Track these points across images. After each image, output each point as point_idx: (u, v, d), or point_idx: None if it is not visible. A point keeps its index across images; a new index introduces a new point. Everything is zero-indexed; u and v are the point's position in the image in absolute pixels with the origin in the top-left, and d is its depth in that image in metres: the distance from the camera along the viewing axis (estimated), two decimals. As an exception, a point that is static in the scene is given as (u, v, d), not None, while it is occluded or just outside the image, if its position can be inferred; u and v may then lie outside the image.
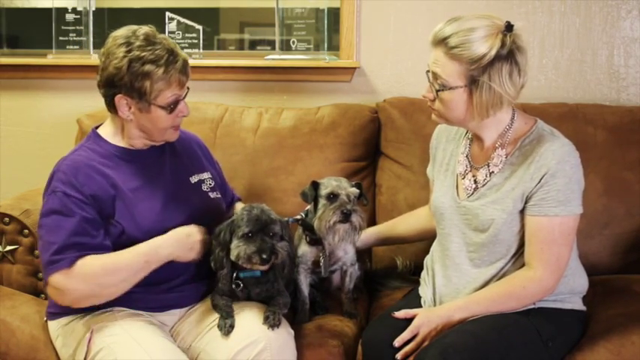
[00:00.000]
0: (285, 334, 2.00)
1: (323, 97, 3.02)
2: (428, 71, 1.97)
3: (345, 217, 2.10)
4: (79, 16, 3.18)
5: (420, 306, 2.12)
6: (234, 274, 2.05)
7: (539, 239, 1.92)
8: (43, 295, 2.35)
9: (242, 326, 1.97)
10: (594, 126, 2.67)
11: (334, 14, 3.09)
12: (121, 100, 2.01)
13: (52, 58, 3.14)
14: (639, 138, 2.64)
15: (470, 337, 1.86)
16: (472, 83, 1.90)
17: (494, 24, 1.90)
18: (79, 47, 3.18)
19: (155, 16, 3.34)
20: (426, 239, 2.37)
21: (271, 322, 1.97)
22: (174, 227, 2.07)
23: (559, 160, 1.91)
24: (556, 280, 1.94)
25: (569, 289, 2.03)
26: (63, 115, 3.14)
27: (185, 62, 2.04)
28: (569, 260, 1.96)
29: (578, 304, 2.06)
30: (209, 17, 4.34)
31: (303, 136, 2.77)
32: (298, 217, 2.27)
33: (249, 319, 1.99)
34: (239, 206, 2.38)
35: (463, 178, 2.08)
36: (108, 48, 2.02)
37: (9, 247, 2.35)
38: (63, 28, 3.19)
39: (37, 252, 2.34)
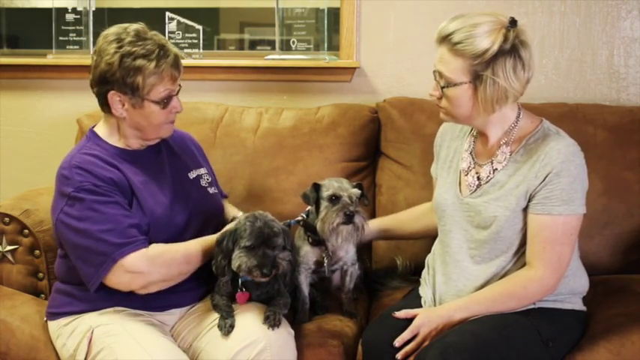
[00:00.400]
0: (285, 334, 2.00)
1: (323, 97, 3.02)
2: (435, 71, 1.98)
3: (348, 219, 2.10)
4: (79, 16, 3.18)
5: (420, 306, 2.12)
6: (237, 279, 2.05)
7: (542, 238, 1.92)
8: (43, 295, 2.35)
9: (242, 326, 1.97)
10: (594, 126, 2.67)
11: (334, 14, 3.09)
12: (113, 97, 2.01)
13: (52, 58, 3.14)
14: (639, 138, 2.64)
15: (470, 337, 1.86)
16: (476, 79, 1.90)
17: (498, 20, 1.91)
18: (79, 47, 3.18)
19: (155, 16, 3.34)
20: (429, 236, 2.37)
21: (271, 322, 1.97)
22: (180, 222, 2.09)
23: (564, 159, 1.91)
24: (557, 279, 1.94)
25: (570, 290, 2.03)
26: (63, 115, 3.14)
27: (177, 57, 2.04)
28: (570, 260, 1.97)
29: (578, 305, 2.06)
30: (209, 17, 4.34)
31: (303, 136, 2.77)
32: (299, 218, 2.27)
33: (249, 319, 1.99)
34: (225, 206, 2.39)
35: (466, 175, 2.08)
36: (99, 46, 2.03)
37: (9, 247, 2.34)
38: (63, 28, 3.19)
39: (37, 252, 2.34)
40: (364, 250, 2.67)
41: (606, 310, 2.17)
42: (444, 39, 1.92)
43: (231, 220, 2.14)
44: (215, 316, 2.03)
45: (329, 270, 2.26)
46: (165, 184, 2.12)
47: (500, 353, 1.86)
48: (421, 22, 2.98)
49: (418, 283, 2.25)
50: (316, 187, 2.18)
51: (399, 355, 1.94)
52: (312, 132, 2.78)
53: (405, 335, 1.96)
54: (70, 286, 2.08)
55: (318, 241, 2.22)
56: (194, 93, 3.03)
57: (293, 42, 3.13)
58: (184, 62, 3.03)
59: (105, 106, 2.06)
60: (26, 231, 2.34)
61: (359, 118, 2.80)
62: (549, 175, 1.91)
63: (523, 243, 1.98)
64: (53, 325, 2.09)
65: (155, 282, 1.98)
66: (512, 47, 1.89)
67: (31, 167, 3.13)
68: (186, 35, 3.16)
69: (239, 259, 1.97)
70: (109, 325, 1.98)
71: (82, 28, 3.18)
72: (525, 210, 1.96)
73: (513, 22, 1.90)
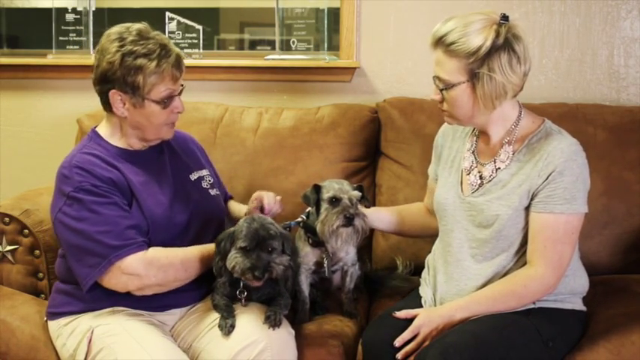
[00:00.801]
0: (285, 334, 2.00)
1: (323, 97, 3.02)
2: (434, 76, 1.99)
3: (348, 222, 2.10)
4: (79, 16, 3.18)
5: (420, 306, 2.12)
6: (239, 282, 2.04)
7: (544, 237, 1.93)
8: (43, 295, 2.35)
9: (243, 326, 1.97)
10: (594, 126, 2.67)
11: (334, 14, 3.09)
12: (114, 96, 2.02)
13: (52, 58, 3.14)
14: (639, 138, 2.64)
15: (470, 337, 1.86)
16: (473, 77, 1.91)
17: (490, 17, 1.92)
18: (79, 47, 3.18)
19: (155, 16, 3.33)
20: (425, 236, 2.37)
21: (272, 322, 1.97)
22: (180, 223, 2.08)
23: (567, 158, 1.91)
24: (557, 278, 1.94)
25: (570, 290, 2.03)
26: (63, 115, 3.14)
27: (178, 57, 2.04)
28: (571, 259, 1.97)
29: (578, 305, 2.06)
30: (209, 17, 4.34)
31: (303, 136, 2.77)
32: (299, 219, 2.27)
33: (249, 319, 1.99)
34: (233, 205, 2.39)
35: (468, 174, 2.08)
36: (102, 45, 2.04)
37: (9, 247, 2.34)
38: (63, 28, 3.19)
39: (37, 252, 2.34)
40: (364, 250, 2.67)
41: (606, 310, 2.17)
42: (438, 42, 1.93)
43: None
44: (215, 316, 2.03)
45: (329, 271, 2.26)
46: (166, 185, 2.12)
47: (500, 353, 1.86)
48: (421, 22, 2.98)
49: (418, 283, 2.25)
50: (317, 189, 2.18)
51: (399, 355, 1.94)
52: (312, 132, 2.78)
53: (406, 335, 1.96)
54: (70, 285, 2.07)
55: (318, 242, 2.22)
56: (194, 93, 3.02)
57: (293, 42, 3.13)
58: (185, 62, 3.06)
59: (106, 105, 2.06)
60: (26, 231, 2.33)
61: (359, 118, 2.80)
62: (552, 174, 1.91)
63: (524, 242, 1.98)
64: (53, 325, 2.09)
65: (151, 285, 1.98)
66: (505, 42, 1.90)
67: (31, 167, 3.13)
68: (186, 35, 3.16)
69: (234, 260, 1.96)
70: (108, 325, 1.98)
71: (82, 28, 3.18)
72: (527, 209, 1.96)
73: (505, 18, 1.91)
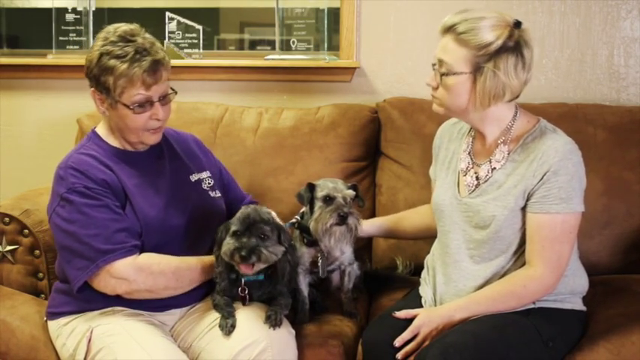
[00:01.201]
0: (286, 334, 2.00)
1: (323, 97, 3.02)
2: (434, 64, 1.99)
3: (342, 220, 2.10)
4: (79, 16, 3.18)
5: (420, 306, 2.12)
6: (240, 280, 2.04)
7: (541, 237, 1.93)
8: (43, 295, 2.35)
9: (243, 326, 1.97)
10: (594, 126, 2.67)
11: (334, 14, 3.09)
12: (94, 95, 2.04)
13: (52, 58, 3.14)
14: (639, 138, 2.64)
15: (470, 336, 1.86)
16: (477, 70, 1.91)
17: (503, 17, 1.93)
18: (79, 47, 3.18)
19: (155, 16, 3.34)
20: (430, 237, 2.37)
21: (273, 322, 1.97)
22: (176, 225, 2.08)
23: (562, 157, 1.91)
24: (557, 278, 1.94)
25: (570, 289, 2.03)
26: (63, 115, 3.14)
27: (154, 62, 1.98)
28: (570, 259, 1.97)
29: (578, 304, 2.06)
30: (209, 17, 4.34)
31: (303, 136, 2.77)
32: (294, 220, 2.27)
33: (250, 319, 1.99)
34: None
35: (465, 175, 2.08)
36: (95, 40, 2.05)
37: (9, 247, 2.34)
38: (63, 28, 3.19)
39: (37, 252, 2.34)
40: (364, 250, 2.67)
41: (606, 310, 2.17)
42: (449, 29, 1.94)
43: None
44: (215, 316, 2.03)
45: (324, 270, 2.26)
46: (163, 187, 2.11)
47: (500, 353, 1.86)
48: (421, 22, 2.98)
49: (418, 283, 2.25)
50: (311, 188, 2.18)
51: (399, 355, 1.94)
52: (312, 132, 2.78)
53: (405, 335, 1.96)
54: (70, 285, 2.07)
55: (313, 242, 2.22)
56: (194, 93, 3.03)
57: (293, 42, 3.13)
58: (184, 62, 3.07)
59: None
60: (26, 231, 2.34)
61: (359, 118, 2.80)
62: (547, 174, 1.91)
63: (522, 242, 1.98)
64: (53, 325, 2.09)
65: (139, 290, 1.98)
66: (516, 45, 1.91)
67: (31, 167, 3.13)
68: (186, 35, 3.16)
69: (226, 245, 1.96)
70: (108, 325, 1.98)
71: (82, 28, 3.18)
72: (524, 209, 1.96)
73: (518, 24, 1.92)
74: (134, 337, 1.94)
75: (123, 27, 2.03)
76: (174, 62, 3.04)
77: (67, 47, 3.18)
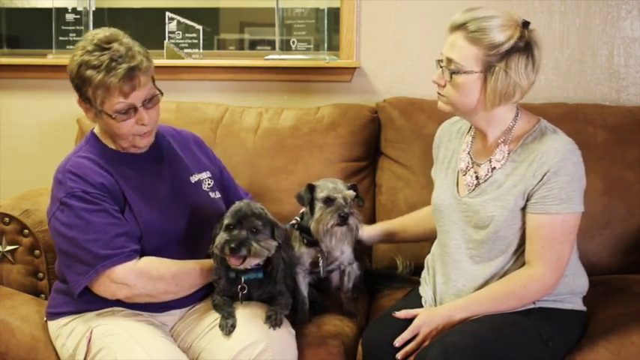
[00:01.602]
0: (286, 333, 2.00)
1: (323, 97, 3.02)
2: (440, 60, 1.98)
3: (343, 221, 2.10)
4: (79, 16, 3.18)
5: (420, 306, 2.12)
6: (240, 278, 2.04)
7: (541, 237, 1.92)
8: (43, 295, 2.35)
9: (243, 326, 1.97)
10: (594, 126, 2.67)
11: (334, 14, 3.09)
12: (80, 104, 2.02)
13: (52, 58, 3.14)
14: (639, 138, 2.64)
15: (470, 336, 1.86)
16: (487, 70, 1.91)
17: (512, 17, 1.93)
18: (79, 47, 3.17)
19: (155, 16, 3.34)
20: (433, 239, 2.37)
21: (273, 322, 1.97)
22: (176, 228, 2.08)
23: (561, 157, 1.91)
24: (557, 278, 1.94)
25: (570, 289, 2.03)
26: (63, 115, 3.14)
27: (131, 70, 1.92)
28: (569, 259, 1.97)
29: (578, 304, 2.06)
30: (209, 17, 4.34)
31: (303, 136, 2.77)
32: (294, 221, 2.27)
33: (250, 319, 1.99)
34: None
35: (464, 175, 2.08)
36: (75, 49, 2.02)
37: (9, 247, 2.35)
38: (63, 28, 3.19)
39: (37, 252, 2.34)
40: (364, 250, 2.66)
41: (606, 310, 2.17)
42: (459, 27, 1.93)
43: None
44: (215, 316, 2.03)
45: (324, 270, 2.26)
46: (162, 189, 2.11)
47: (500, 353, 1.86)
48: (421, 22, 2.97)
49: (418, 283, 2.25)
50: (311, 188, 2.18)
51: (399, 355, 1.94)
52: (312, 132, 2.78)
53: (405, 335, 1.96)
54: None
55: (313, 242, 2.22)
56: (194, 93, 3.03)
57: (293, 42, 3.13)
58: (184, 62, 3.06)
59: None
60: (26, 231, 2.33)
61: (359, 118, 2.80)
62: (547, 174, 1.91)
63: (522, 242, 1.98)
64: (53, 325, 2.09)
65: (140, 295, 1.98)
66: (526, 45, 1.91)
67: (31, 167, 3.13)
68: (186, 35, 3.16)
69: (218, 239, 1.96)
70: (108, 325, 1.98)
71: (82, 28, 3.18)
72: (523, 209, 1.96)
73: (526, 24, 1.92)
74: (134, 337, 1.93)
75: (100, 34, 1.98)
76: (174, 62, 3.07)
77: (67, 47, 3.17)
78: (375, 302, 2.45)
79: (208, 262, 2.07)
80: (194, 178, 2.21)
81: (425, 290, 2.17)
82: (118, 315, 2.02)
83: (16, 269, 2.36)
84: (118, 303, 2.02)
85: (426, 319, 1.97)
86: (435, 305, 2.10)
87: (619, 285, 2.39)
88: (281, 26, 3.12)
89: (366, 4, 3.01)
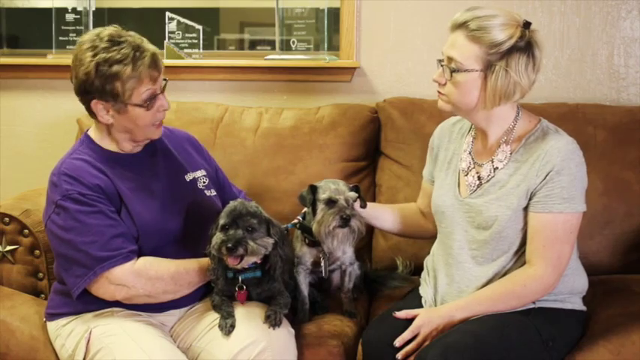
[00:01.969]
0: (286, 333, 2.00)
1: (323, 97, 3.02)
2: (440, 60, 1.98)
3: (345, 222, 2.10)
4: (79, 16, 3.18)
5: (420, 306, 2.12)
6: (237, 278, 2.04)
7: (542, 236, 1.93)
8: (43, 295, 2.35)
9: (243, 326, 1.97)
10: (594, 126, 2.67)
11: (334, 14, 3.09)
12: (97, 106, 2.00)
13: (52, 58, 3.14)
14: (639, 138, 2.64)
15: (470, 337, 1.86)
16: (488, 68, 1.91)
17: (513, 17, 1.93)
18: (79, 47, 3.17)
19: (155, 16, 3.34)
20: (419, 237, 2.37)
21: (272, 322, 1.97)
22: (172, 227, 2.08)
23: (564, 157, 1.91)
24: (557, 277, 1.94)
25: (570, 289, 2.03)
26: (63, 115, 3.14)
27: (154, 56, 2.00)
28: (570, 258, 1.97)
29: (578, 304, 2.06)
30: (209, 17, 4.34)
31: (303, 136, 2.77)
32: (296, 221, 2.27)
33: (249, 319, 1.99)
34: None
35: (466, 175, 2.08)
36: (76, 55, 2.00)
37: (9, 247, 2.34)
38: (63, 28, 3.19)
39: (37, 252, 2.34)
40: (364, 250, 2.67)
41: (606, 310, 2.17)
42: (460, 25, 1.93)
43: None
44: (215, 317, 2.03)
45: (326, 271, 2.26)
46: (158, 189, 2.11)
47: (500, 353, 1.86)
48: (421, 22, 2.97)
49: (418, 283, 2.25)
50: (313, 189, 2.18)
51: (399, 355, 1.94)
52: (312, 132, 2.78)
53: (406, 335, 1.96)
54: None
55: (314, 242, 2.22)
56: (194, 93, 3.03)
57: (293, 42, 3.13)
58: (184, 62, 3.07)
59: (91, 113, 2.04)
60: (26, 231, 2.33)
61: (359, 118, 2.80)
62: (550, 174, 1.91)
63: (524, 242, 1.98)
64: (52, 326, 2.09)
65: (139, 296, 1.98)
66: (527, 45, 1.91)
67: (31, 167, 3.13)
68: (186, 35, 3.16)
69: (214, 239, 1.96)
70: (107, 326, 1.98)
71: (82, 28, 3.18)
72: (526, 209, 1.96)
73: (527, 24, 1.92)
74: (133, 337, 1.93)
75: (105, 31, 2.00)
76: (174, 62, 3.07)
77: (67, 47, 3.18)
78: (375, 302, 2.45)
79: (206, 261, 2.07)
80: (189, 177, 2.20)
81: (425, 290, 2.17)
82: (117, 315, 2.02)
83: (16, 269, 2.36)
84: (117, 303, 2.02)
85: (427, 319, 1.97)
86: (436, 305, 2.10)
87: (619, 285, 2.39)
88: (281, 26, 3.12)
89: (366, 4, 3.01)
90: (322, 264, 2.24)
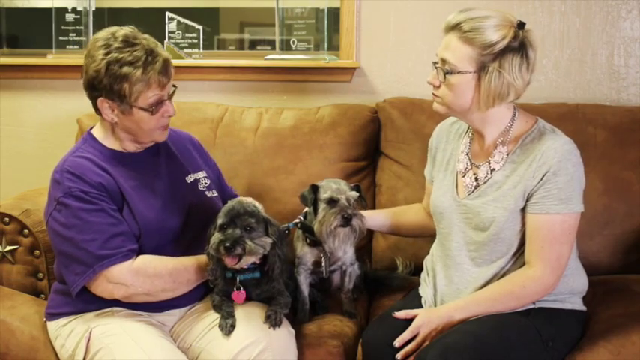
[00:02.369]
0: (286, 333, 2.00)
1: (323, 97, 3.02)
2: (435, 62, 1.98)
3: (346, 222, 2.10)
4: (79, 16, 3.18)
5: (420, 306, 2.12)
6: (235, 278, 2.04)
7: (540, 237, 1.92)
8: (43, 295, 2.35)
9: (243, 326, 1.97)
10: (594, 126, 2.66)
11: (334, 14, 3.09)
12: (103, 104, 2.01)
13: (52, 58, 3.14)
14: (639, 138, 2.64)
15: (470, 337, 1.86)
16: (481, 70, 1.91)
17: (507, 17, 1.93)
18: (79, 47, 3.18)
19: (155, 16, 3.34)
20: (422, 236, 2.37)
21: (272, 322, 1.97)
22: (174, 227, 2.08)
23: (561, 158, 1.91)
24: (556, 278, 1.94)
25: (569, 289, 2.03)
26: (63, 115, 3.14)
27: (166, 62, 2.00)
28: (569, 259, 1.97)
29: (578, 304, 2.06)
30: (209, 17, 4.34)
31: (303, 136, 2.77)
32: (297, 221, 2.27)
33: (250, 318, 1.99)
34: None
35: (464, 176, 2.08)
36: (89, 50, 2.01)
37: (9, 247, 2.35)
38: (63, 28, 3.19)
39: (37, 252, 2.34)
40: (364, 250, 2.67)
41: (606, 310, 2.17)
42: (453, 27, 1.93)
43: None
44: (215, 316, 2.03)
45: (327, 270, 2.26)
46: (160, 188, 2.11)
47: (500, 353, 1.86)
48: (421, 22, 2.98)
49: (418, 283, 2.25)
50: (314, 189, 2.18)
51: (399, 355, 1.94)
52: (312, 132, 2.78)
53: (405, 335, 1.96)
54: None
55: (316, 242, 2.22)
56: (194, 93, 3.03)
57: (293, 42, 3.13)
58: (184, 62, 3.07)
59: (97, 110, 2.05)
60: (26, 231, 2.34)
61: (359, 118, 2.80)
62: (546, 175, 1.91)
63: (522, 244, 1.98)
64: (52, 326, 2.09)
65: (137, 294, 1.99)
66: (520, 45, 1.91)
67: (31, 167, 3.13)
68: (186, 35, 3.16)
69: (212, 239, 1.96)
70: (107, 325, 1.98)
71: (82, 28, 3.18)
72: (523, 210, 1.96)
73: (521, 25, 1.92)
74: (133, 337, 1.93)
75: (120, 31, 2.00)
76: (174, 62, 3.04)
77: (67, 47, 3.18)
78: (375, 302, 2.45)
79: (205, 258, 2.07)
80: (190, 178, 2.20)
81: (425, 290, 2.17)
82: (117, 315, 2.02)
83: (16, 269, 2.36)
84: (117, 303, 2.02)
85: (426, 319, 1.97)
86: (435, 305, 2.10)
87: (619, 285, 2.39)
88: (281, 26, 3.12)
89: (366, 4, 3.01)
90: (323, 264, 2.24)
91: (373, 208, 2.74)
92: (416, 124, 2.74)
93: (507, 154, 2.00)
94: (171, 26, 3.16)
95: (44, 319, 2.14)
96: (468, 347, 1.83)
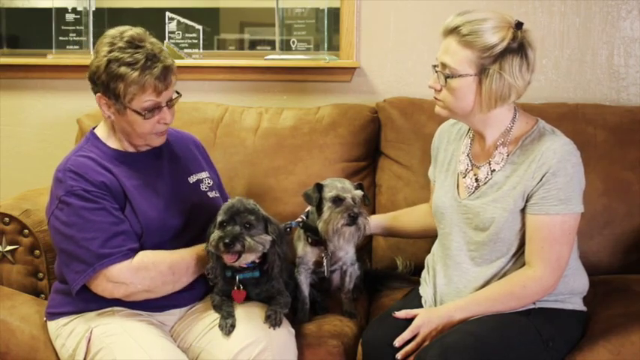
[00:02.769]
0: (286, 333, 2.00)
1: (323, 97, 3.02)
2: (435, 65, 1.98)
3: (352, 221, 2.10)
4: (79, 16, 3.18)
5: (420, 306, 2.12)
6: (235, 277, 2.04)
7: (540, 238, 1.92)
8: (43, 295, 2.35)
9: (243, 326, 1.97)
10: (594, 126, 2.66)
11: (334, 14, 3.09)
12: (100, 100, 2.02)
13: (52, 58, 3.14)
14: (639, 138, 2.64)
15: (470, 337, 1.86)
16: (482, 72, 1.91)
17: (505, 18, 1.93)
18: (79, 47, 3.18)
19: (155, 16, 3.34)
20: (427, 237, 2.37)
21: (272, 322, 1.97)
22: (175, 226, 2.08)
23: (560, 158, 1.91)
24: (556, 279, 1.94)
25: (570, 289, 2.03)
26: (63, 115, 3.14)
27: (165, 69, 1.98)
28: (569, 259, 1.97)
29: (578, 305, 2.06)
30: (209, 17, 4.34)
31: (303, 136, 2.77)
32: (299, 219, 2.27)
33: (250, 318, 1.99)
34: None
35: (464, 177, 2.08)
36: (97, 45, 2.03)
37: (9, 247, 2.35)
38: (63, 28, 3.19)
39: (37, 252, 2.34)
40: (364, 250, 2.67)
41: (606, 310, 2.17)
42: (452, 31, 1.93)
43: None
44: (215, 316, 2.03)
45: (328, 270, 2.26)
46: (162, 188, 2.11)
47: (500, 353, 1.86)
48: (421, 22, 2.98)
49: (418, 283, 2.25)
50: (319, 188, 2.18)
51: (399, 355, 1.94)
52: (312, 132, 2.78)
53: (405, 335, 1.96)
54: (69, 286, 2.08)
55: (317, 242, 2.22)
56: (194, 93, 3.03)
57: (293, 42, 3.13)
58: (184, 62, 3.07)
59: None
60: (26, 231, 2.34)
61: (359, 118, 2.80)
62: (546, 175, 1.91)
63: (522, 244, 1.98)
64: (52, 325, 2.09)
65: (138, 292, 1.99)
66: (519, 46, 1.90)
67: (31, 167, 3.13)
68: (186, 35, 3.16)
69: (212, 236, 1.96)
70: (107, 325, 1.98)
71: (82, 28, 3.18)
72: (523, 211, 1.96)
73: (519, 25, 1.92)
74: (133, 337, 1.94)
75: (129, 31, 2.01)
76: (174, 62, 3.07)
77: (67, 47, 3.18)
78: (375, 302, 2.45)
79: (202, 247, 2.07)
80: (192, 179, 2.21)
81: (425, 290, 2.17)
82: (118, 315, 2.02)
83: (16, 269, 2.36)
84: (118, 302, 2.02)
85: (426, 319, 1.97)
86: (435, 305, 2.10)
87: (619, 285, 2.39)
88: (281, 26, 3.12)
89: (366, 4, 3.01)
90: (324, 263, 2.24)
91: (373, 208, 2.75)
92: (416, 124, 2.74)
93: (507, 155, 2.00)
94: (171, 26, 3.16)
95: (44, 318, 2.14)
96: (468, 347, 1.83)
